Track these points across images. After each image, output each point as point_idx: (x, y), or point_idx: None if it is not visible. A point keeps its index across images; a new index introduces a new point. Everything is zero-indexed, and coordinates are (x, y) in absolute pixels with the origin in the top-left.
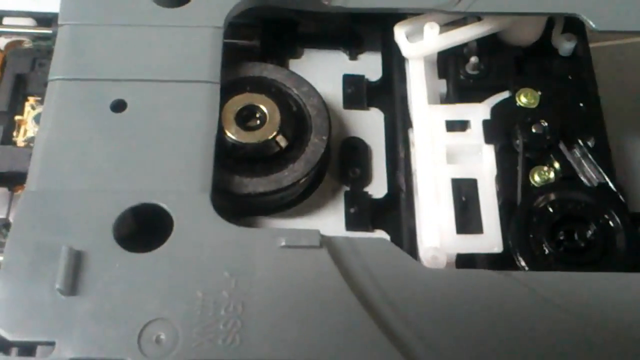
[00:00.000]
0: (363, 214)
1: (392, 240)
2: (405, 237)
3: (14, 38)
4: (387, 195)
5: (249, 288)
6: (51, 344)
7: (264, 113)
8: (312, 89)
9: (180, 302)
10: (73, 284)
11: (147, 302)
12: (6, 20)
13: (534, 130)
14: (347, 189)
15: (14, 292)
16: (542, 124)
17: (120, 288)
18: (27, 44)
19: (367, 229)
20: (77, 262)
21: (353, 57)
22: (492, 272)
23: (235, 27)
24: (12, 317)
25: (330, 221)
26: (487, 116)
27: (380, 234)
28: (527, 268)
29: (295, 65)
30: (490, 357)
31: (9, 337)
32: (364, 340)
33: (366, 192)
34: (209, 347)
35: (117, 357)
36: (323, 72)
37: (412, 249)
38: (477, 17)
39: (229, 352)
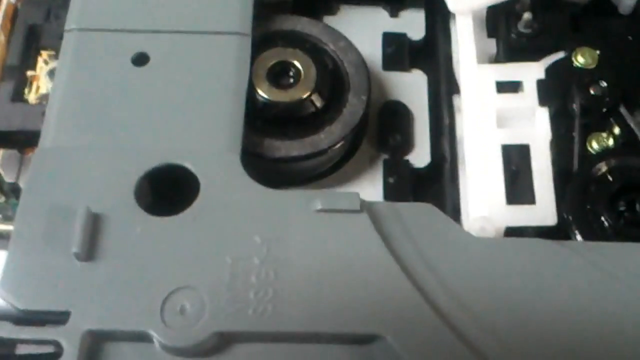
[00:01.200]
0: (403, 184)
1: None
2: (448, 211)
3: None
4: (429, 165)
5: (282, 254)
6: (66, 314)
7: (298, 70)
8: (350, 44)
9: (207, 269)
10: (90, 249)
11: (170, 269)
12: None
13: (592, 92)
14: (386, 157)
15: (26, 258)
16: (601, 85)
17: (141, 254)
18: None
19: (407, 201)
20: (95, 225)
21: (394, 14)
22: (546, 241)
23: None
24: (23, 285)
25: (367, 191)
26: (542, 76)
27: None
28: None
29: (330, 22)
30: (542, 333)
31: (20, 305)
32: (406, 312)
33: (407, 161)
34: (239, 318)
35: (138, 329)
36: (361, 30)
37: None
38: None
39: (260, 323)
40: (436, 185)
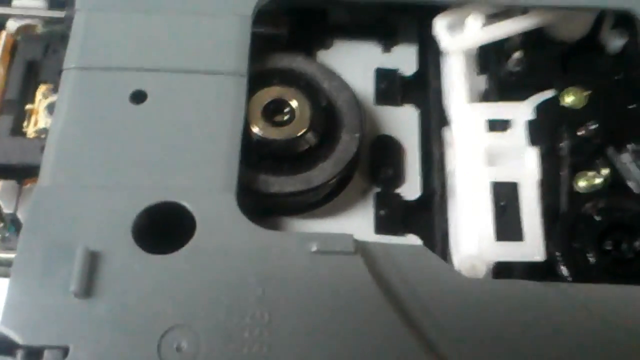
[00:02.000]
0: (394, 216)
1: (424, 244)
2: (438, 242)
3: (25, 22)
4: (420, 197)
5: (277, 295)
6: (65, 349)
7: (293, 108)
8: (344, 83)
9: (202, 308)
10: (88, 286)
11: (167, 307)
12: (16, 2)
13: (581, 133)
14: (378, 190)
15: (26, 293)
16: (590, 126)
17: (138, 292)
18: (40, 29)
19: (397, 233)
20: (92, 263)
21: (386, 49)
22: (536, 283)
23: (261, 14)
24: (23, 320)
25: (358, 223)
26: (531, 116)
27: (412, 239)
28: (570, 279)
29: (324, 56)
30: None
31: (21, 340)
32: (399, 353)
33: (398, 194)
34: (233, 357)
35: None
36: (354, 65)
37: (444, 255)
38: (521, 10)
39: None
40: (425, 216)
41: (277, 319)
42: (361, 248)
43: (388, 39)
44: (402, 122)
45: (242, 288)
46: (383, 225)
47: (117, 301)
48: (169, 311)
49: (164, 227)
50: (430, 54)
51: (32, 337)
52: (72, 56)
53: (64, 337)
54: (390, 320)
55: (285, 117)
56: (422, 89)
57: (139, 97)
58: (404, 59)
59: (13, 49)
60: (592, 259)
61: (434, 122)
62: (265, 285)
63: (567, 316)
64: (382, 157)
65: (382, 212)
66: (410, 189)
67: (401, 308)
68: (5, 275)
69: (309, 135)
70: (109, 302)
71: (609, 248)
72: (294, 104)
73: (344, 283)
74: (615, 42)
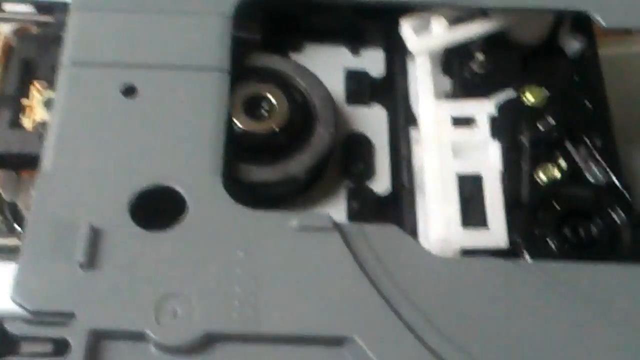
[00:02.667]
0: (366, 209)
1: None
2: (407, 233)
3: (17, 26)
4: (390, 193)
5: (262, 267)
6: (71, 314)
7: (272, 103)
8: (318, 80)
9: (195, 278)
10: (92, 259)
11: (162, 278)
12: (7, 7)
13: (540, 127)
14: (350, 183)
15: (35, 267)
16: (549, 121)
17: (136, 264)
18: (34, 30)
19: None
20: (95, 238)
21: (355, 52)
22: (501, 260)
23: (236, 19)
24: (33, 290)
25: (332, 215)
26: (493, 112)
27: None
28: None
29: (296, 58)
30: (499, 344)
31: (30, 307)
32: (373, 317)
33: (369, 188)
34: (224, 320)
35: (135, 329)
36: (325, 66)
37: None
38: (483, 14)
39: (243, 325)
40: (395, 210)
41: (262, 287)
42: (337, 227)
43: (357, 43)
44: (372, 121)
45: (230, 260)
46: (356, 217)
47: (118, 272)
48: (165, 281)
49: (157, 207)
50: (397, 57)
51: (40, 304)
52: (67, 53)
53: (70, 303)
54: (365, 288)
55: (264, 112)
56: (389, 90)
57: (129, 91)
58: (372, 61)
59: (9, 49)
60: (552, 244)
61: (401, 122)
62: (251, 256)
63: (531, 290)
64: (354, 152)
65: (354, 205)
66: (381, 183)
67: (374, 280)
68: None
69: (287, 128)
70: (111, 272)
71: (567, 234)
72: (271, 98)
73: (323, 255)
74: (573, 45)
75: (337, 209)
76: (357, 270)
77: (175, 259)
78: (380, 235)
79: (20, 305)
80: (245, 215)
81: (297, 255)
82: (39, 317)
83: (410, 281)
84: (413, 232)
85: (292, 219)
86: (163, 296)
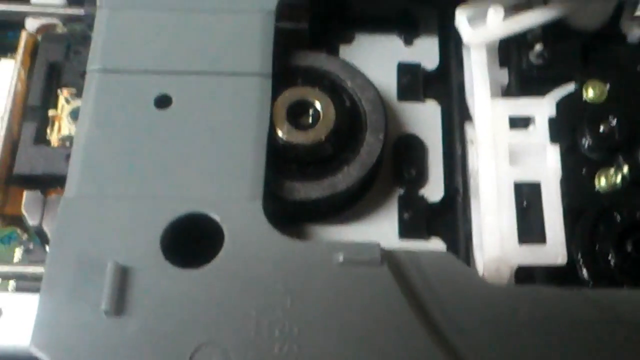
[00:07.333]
0: (418, 220)
1: (448, 247)
2: (461, 243)
3: (44, 21)
4: (443, 198)
5: (305, 307)
6: None
7: (318, 110)
8: (367, 81)
9: (232, 323)
10: (119, 304)
11: (197, 323)
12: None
13: (601, 129)
14: (401, 191)
15: (57, 311)
16: (611, 121)
17: (169, 308)
18: (60, 28)
19: (422, 237)
20: (122, 280)
21: (408, 42)
22: (560, 289)
23: (281, 8)
24: (54, 338)
25: (382, 228)
26: (553, 112)
27: (436, 242)
28: (591, 282)
29: (346, 51)
30: None
31: (50, 358)
32: None
33: (421, 196)
34: None
35: None
36: (376, 59)
37: (467, 256)
38: (542, 1)
39: None
40: (449, 217)
41: (305, 333)
42: (387, 257)
43: (409, 32)
44: (425, 119)
45: (270, 301)
46: (407, 229)
47: (147, 319)
48: (199, 327)
49: (190, 237)
50: (451, 46)
51: (63, 356)
52: (95, 57)
53: (96, 355)
54: (417, 331)
55: (310, 120)
56: (444, 83)
57: (163, 101)
58: (426, 52)
59: (34, 50)
60: (612, 261)
61: (456, 118)
62: (294, 297)
63: (591, 322)
64: (405, 157)
65: (406, 216)
66: (434, 189)
67: (427, 317)
68: (30, 290)
69: (334, 138)
70: (140, 319)
71: (629, 249)
72: (318, 105)
73: (371, 294)
74: (635, 31)
75: (388, 220)
76: (409, 309)
77: (211, 301)
78: (433, 264)
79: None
80: (288, 247)
81: (343, 293)
82: None
83: (466, 315)
84: (468, 240)
85: (338, 253)
86: (198, 347)
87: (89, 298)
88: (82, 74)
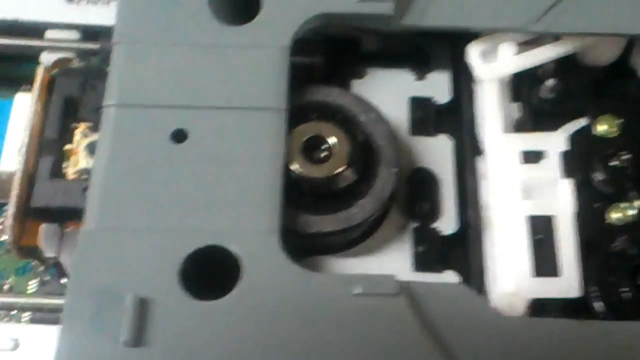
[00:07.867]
0: (432, 253)
1: (462, 280)
2: (475, 276)
3: (59, 55)
4: (456, 232)
5: (323, 338)
6: None
7: (331, 145)
8: (380, 115)
9: (250, 355)
10: (138, 335)
11: (216, 354)
12: (49, 34)
13: (614, 164)
14: (415, 225)
15: (77, 343)
16: (623, 156)
17: (188, 340)
18: (76, 62)
19: (436, 270)
20: (142, 311)
21: (420, 76)
22: (576, 321)
23: (296, 43)
24: None
25: (397, 261)
26: (565, 146)
27: (449, 275)
28: (604, 315)
29: (358, 86)
30: None
31: None
32: None
33: (435, 229)
34: None
35: None
36: (388, 93)
37: (481, 289)
38: (553, 37)
39: None
40: (462, 250)
41: None
42: (404, 288)
43: (421, 67)
44: (437, 153)
45: (288, 333)
46: (421, 262)
47: (166, 350)
48: (218, 359)
49: (206, 269)
50: (463, 81)
51: None
52: (111, 93)
53: None
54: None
55: (324, 154)
56: (455, 118)
57: (179, 136)
58: (438, 86)
59: (50, 85)
60: (626, 295)
61: (467, 153)
62: (311, 329)
63: (605, 355)
64: (419, 190)
65: (420, 249)
66: (447, 223)
67: (443, 348)
68: (45, 322)
69: (348, 172)
70: (159, 350)
71: None
72: (332, 140)
73: (388, 325)
74: None
75: (401, 253)
76: (425, 340)
77: (230, 332)
78: (449, 296)
79: None
80: (306, 279)
81: (360, 325)
82: None
83: (481, 347)
84: (481, 273)
85: (356, 285)
86: None
87: (109, 329)
88: (99, 109)
